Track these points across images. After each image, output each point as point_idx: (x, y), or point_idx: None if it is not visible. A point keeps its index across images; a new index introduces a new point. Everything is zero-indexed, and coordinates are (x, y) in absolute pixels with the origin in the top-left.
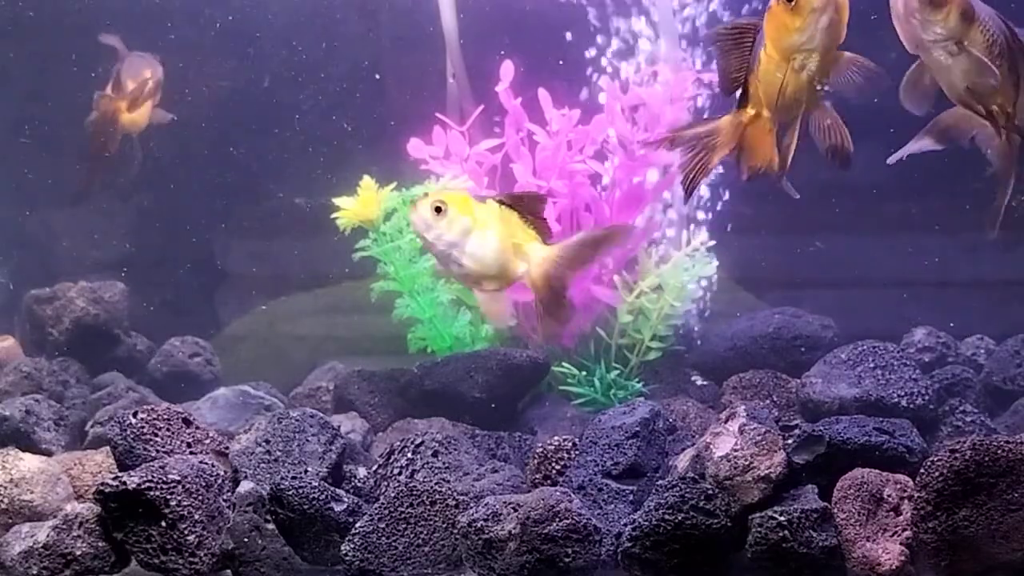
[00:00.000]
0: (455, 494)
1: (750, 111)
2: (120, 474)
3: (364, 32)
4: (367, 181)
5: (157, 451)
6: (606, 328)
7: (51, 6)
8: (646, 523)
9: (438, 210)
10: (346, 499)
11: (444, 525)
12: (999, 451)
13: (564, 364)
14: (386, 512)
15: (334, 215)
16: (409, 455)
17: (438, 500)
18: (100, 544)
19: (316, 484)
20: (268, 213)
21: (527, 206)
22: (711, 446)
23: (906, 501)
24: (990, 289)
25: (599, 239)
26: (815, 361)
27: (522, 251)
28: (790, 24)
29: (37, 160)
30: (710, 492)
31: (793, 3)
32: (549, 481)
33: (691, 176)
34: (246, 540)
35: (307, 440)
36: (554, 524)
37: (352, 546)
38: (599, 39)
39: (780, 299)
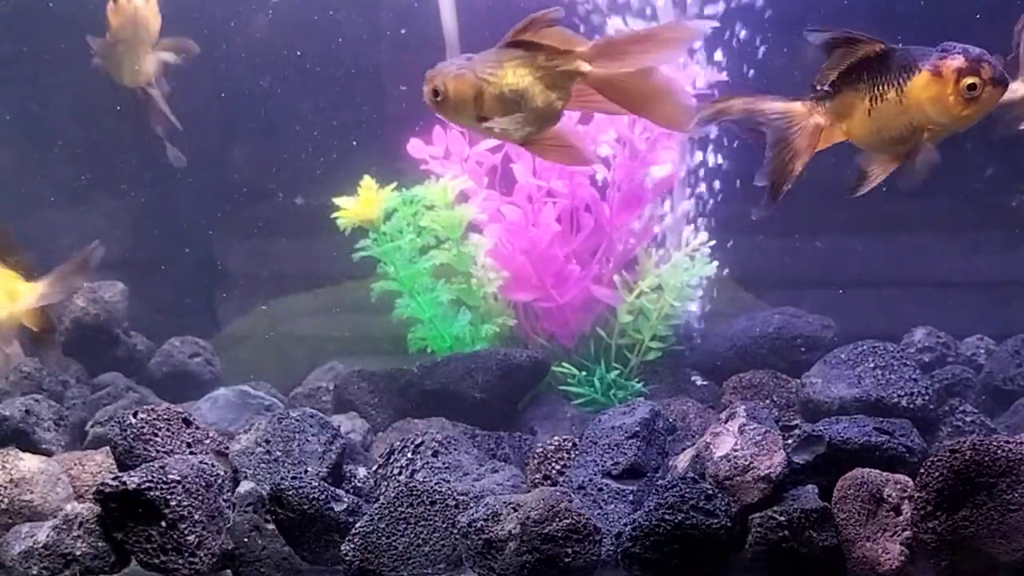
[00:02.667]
0: (455, 494)
1: (822, 118)
2: (120, 474)
3: (364, 32)
4: (367, 181)
5: (157, 451)
6: (606, 328)
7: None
8: (646, 523)
9: None
10: (346, 499)
11: (444, 525)
12: (999, 451)
13: (564, 364)
14: (386, 512)
15: (334, 215)
16: (409, 455)
17: (438, 500)
18: (100, 544)
19: (316, 484)
20: (268, 213)
21: None
22: (711, 446)
23: (906, 501)
24: (990, 289)
25: (77, 266)
26: (815, 361)
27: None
28: (957, 111)
29: (36, 160)
30: (710, 492)
31: (972, 97)
32: (549, 481)
33: (777, 177)
34: (246, 540)
35: (307, 440)
36: (554, 524)
37: (352, 546)
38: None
39: (780, 299)
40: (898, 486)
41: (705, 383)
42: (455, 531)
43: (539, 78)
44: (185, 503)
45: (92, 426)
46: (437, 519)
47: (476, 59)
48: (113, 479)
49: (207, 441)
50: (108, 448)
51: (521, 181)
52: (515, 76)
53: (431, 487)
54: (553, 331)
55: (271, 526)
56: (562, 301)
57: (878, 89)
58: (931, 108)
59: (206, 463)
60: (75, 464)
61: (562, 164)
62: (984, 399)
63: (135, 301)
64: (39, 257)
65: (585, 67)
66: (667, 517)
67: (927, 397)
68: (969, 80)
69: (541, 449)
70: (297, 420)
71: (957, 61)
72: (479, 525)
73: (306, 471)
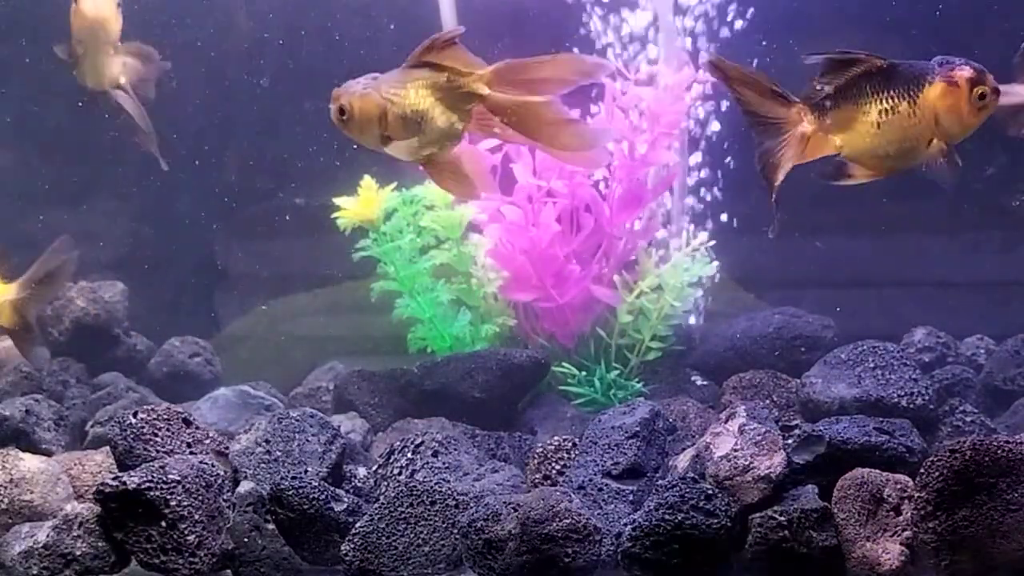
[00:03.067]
0: (455, 494)
1: (810, 127)
2: (120, 474)
3: (364, 31)
4: (367, 181)
5: (157, 451)
6: (606, 328)
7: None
8: (646, 523)
9: None
10: (346, 499)
11: (444, 525)
12: (999, 451)
13: (564, 364)
14: (386, 512)
15: (334, 215)
16: (409, 455)
17: (438, 500)
18: (100, 544)
19: (316, 484)
20: (268, 213)
21: None
22: (711, 446)
23: (906, 501)
24: (990, 289)
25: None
26: (815, 361)
27: None
28: (969, 119)
29: (36, 160)
30: (710, 492)
31: (982, 105)
32: (549, 481)
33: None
34: (246, 540)
35: (307, 440)
36: (554, 524)
37: (352, 546)
38: (598, 38)
39: (780, 299)
40: (898, 486)
41: (705, 383)
42: (455, 531)
43: (440, 99)
44: (185, 503)
45: (92, 426)
46: (437, 519)
47: (381, 79)
48: (113, 479)
49: (207, 441)
50: (108, 448)
51: (521, 181)
52: (417, 97)
53: (431, 487)
54: (553, 331)
55: (271, 526)
56: (562, 301)
57: (887, 103)
58: (946, 117)
59: (206, 463)
60: (75, 464)
61: (454, 192)
62: (984, 399)
63: (135, 301)
64: (37, 257)
65: (484, 90)
66: (667, 517)
67: (927, 397)
68: (980, 89)
69: (541, 449)
70: (297, 420)
71: (967, 72)
72: (479, 525)
73: (306, 471)
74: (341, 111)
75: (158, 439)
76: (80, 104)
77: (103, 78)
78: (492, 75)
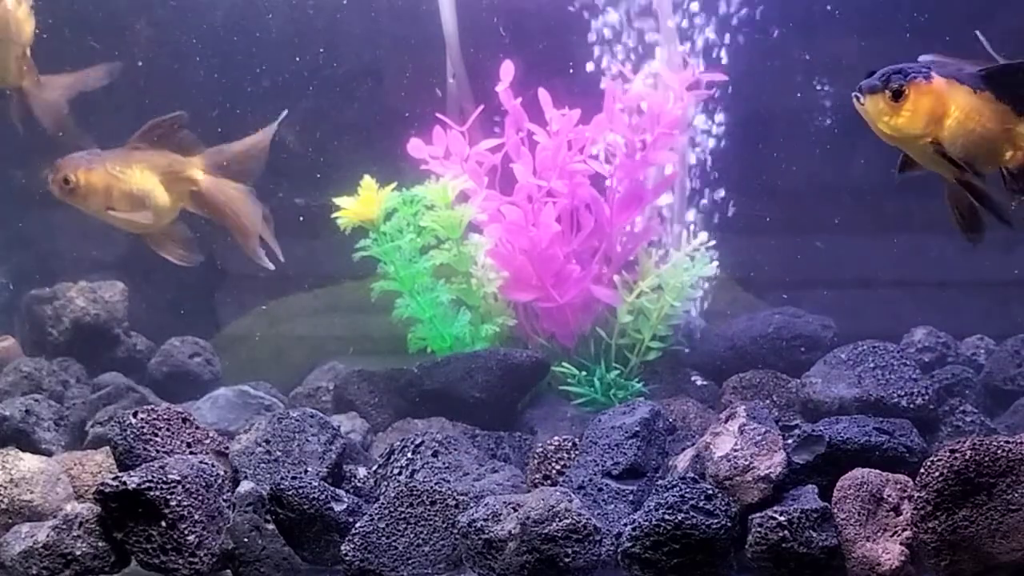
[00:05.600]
0: (455, 494)
1: None
2: (120, 474)
3: (364, 32)
4: (367, 181)
5: (157, 451)
6: (606, 328)
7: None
8: (646, 523)
9: None
10: (346, 499)
11: (444, 525)
12: (999, 451)
13: (564, 364)
14: (386, 512)
15: (334, 215)
16: (409, 455)
17: (438, 500)
18: (100, 544)
19: (316, 484)
20: (268, 213)
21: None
22: (711, 446)
23: (906, 501)
24: (990, 289)
25: None
26: (815, 361)
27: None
28: None
29: (37, 159)
30: (710, 492)
31: None
32: (549, 481)
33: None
34: (246, 540)
35: (307, 440)
36: (554, 524)
37: (352, 546)
38: (598, 39)
39: (780, 299)
40: (898, 486)
41: (705, 383)
42: (455, 531)
43: (161, 182)
44: (185, 503)
45: (92, 426)
46: (437, 519)
47: (106, 155)
48: (113, 479)
49: (207, 441)
50: (108, 448)
51: (521, 181)
52: (142, 178)
53: (431, 487)
54: (553, 331)
55: (271, 526)
56: (562, 301)
57: None
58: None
59: (206, 463)
60: (75, 464)
61: (174, 258)
62: (984, 399)
63: (135, 301)
64: (39, 257)
65: (199, 175)
66: (667, 517)
67: (927, 397)
68: None
69: (541, 449)
70: (297, 420)
71: None
72: (479, 525)
73: (306, 471)
74: (66, 180)
75: (158, 439)
76: None
77: (9, 76)
78: (205, 160)
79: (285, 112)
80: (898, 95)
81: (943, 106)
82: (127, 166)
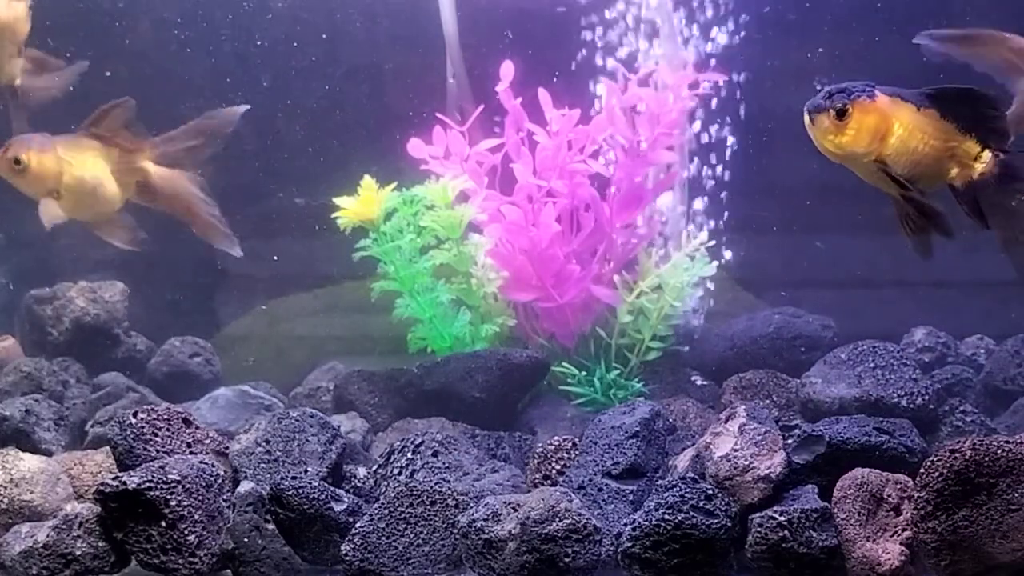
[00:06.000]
0: (455, 494)
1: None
2: (120, 474)
3: (364, 31)
4: (367, 181)
5: (157, 451)
6: (606, 328)
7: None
8: (646, 523)
9: None
10: (346, 499)
11: (444, 525)
12: (999, 451)
13: (564, 364)
14: (386, 512)
15: (334, 215)
16: (409, 455)
17: (438, 500)
18: (100, 544)
19: (316, 484)
20: (268, 213)
21: None
22: (711, 446)
23: (906, 501)
24: (990, 289)
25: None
26: (815, 361)
27: None
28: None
29: None
30: (710, 492)
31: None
32: (549, 481)
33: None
34: (246, 540)
35: (307, 440)
36: (554, 524)
37: (352, 546)
38: (598, 39)
39: (780, 299)
40: (898, 486)
41: (705, 383)
42: (455, 531)
43: (112, 172)
44: (185, 503)
45: (92, 426)
46: (437, 519)
47: (59, 140)
48: (113, 479)
49: (207, 441)
50: (108, 448)
51: (521, 181)
52: (93, 166)
53: (431, 487)
54: (553, 331)
55: (271, 526)
56: (562, 301)
57: None
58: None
59: (206, 463)
60: (75, 464)
61: (119, 243)
62: (984, 399)
63: (135, 301)
64: (39, 257)
65: (150, 167)
66: (667, 517)
67: (927, 397)
68: None
69: (541, 449)
70: (297, 420)
71: None
72: (479, 525)
73: (306, 471)
74: (16, 161)
75: (158, 439)
76: None
77: (4, 74)
78: (155, 152)
79: (247, 106)
80: (842, 114)
81: (886, 124)
82: (79, 152)
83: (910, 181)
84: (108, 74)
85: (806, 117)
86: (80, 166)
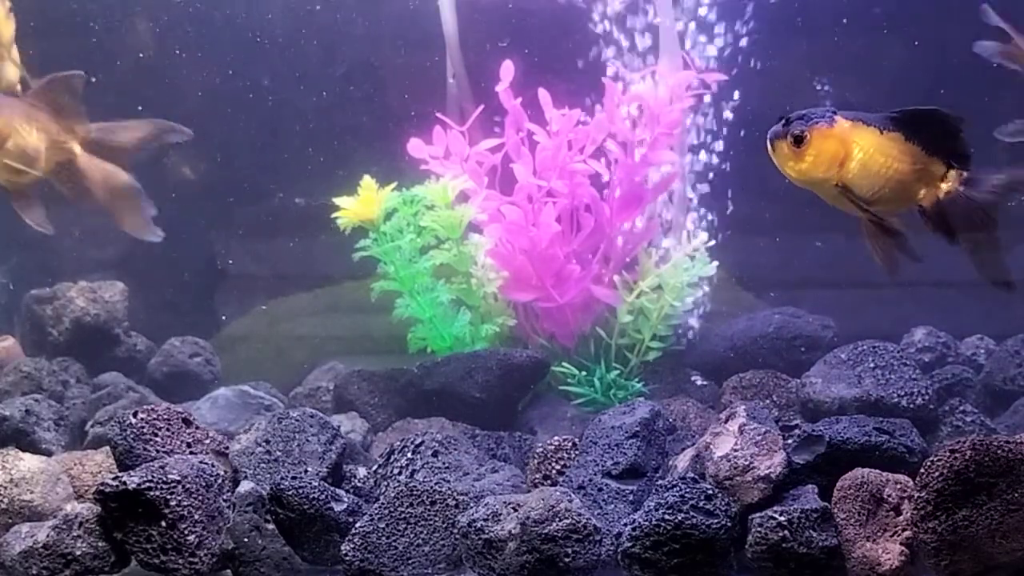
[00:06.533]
0: (455, 494)
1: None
2: (120, 474)
3: (364, 31)
4: (367, 181)
5: (157, 451)
6: (606, 328)
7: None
8: (646, 523)
9: None
10: (346, 499)
11: (444, 525)
12: (999, 451)
13: (564, 364)
14: (386, 512)
15: (334, 215)
16: (409, 455)
17: (438, 500)
18: (100, 544)
19: (316, 484)
20: (268, 213)
21: None
22: (711, 446)
23: (906, 501)
24: (990, 289)
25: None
26: (815, 361)
27: None
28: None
29: None
30: (710, 492)
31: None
32: (549, 481)
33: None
34: (246, 540)
35: (307, 440)
36: (554, 524)
37: (352, 546)
38: (598, 39)
39: (780, 299)
40: (898, 486)
41: (705, 383)
42: (455, 531)
43: (42, 142)
44: (185, 503)
45: (92, 426)
46: (437, 519)
47: (5, 104)
48: (113, 479)
49: (207, 441)
50: (108, 448)
51: (521, 181)
52: (36, 138)
53: (431, 487)
54: (553, 331)
55: (271, 526)
56: (562, 301)
57: None
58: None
59: (206, 463)
60: (75, 464)
61: (31, 222)
62: (984, 399)
63: (135, 301)
64: (39, 257)
65: (77, 150)
66: (667, 517)
67: (927, 397)
68: None
69: (541, 449)
70: (297, 420)
71: None
72: (479, 525)
73: (306, 471)
74: None
75: (158, 439)
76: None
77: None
78: (87, 136)
79: (190, 134)
80: (799, 140)
81: (846, 148)
82: (27, 121)
83: (877, 203)
84: (95, 78)
85: (768, 144)
86: (26, 136)
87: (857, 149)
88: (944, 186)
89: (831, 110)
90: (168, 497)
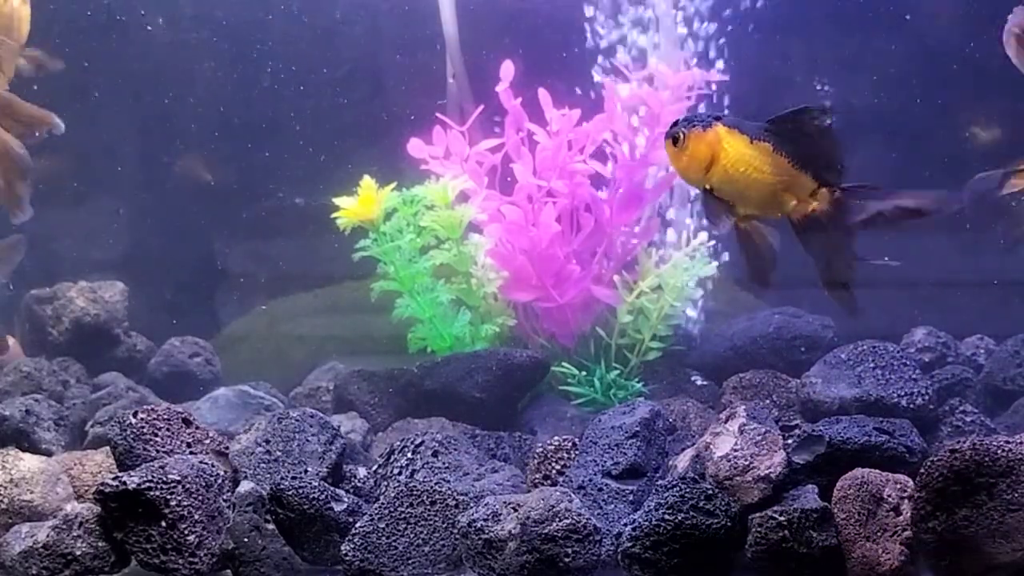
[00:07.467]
0: (455, 494)
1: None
2: (120, 474)
3: (364, 31)
4: (367, 181)
5: (157, 451)
6: (606, 328)
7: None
8: (646, 523)
9: None
10: (346, 499)
11: (444, 525)
12: (999, 451)
13: (564, 364)
14: (386, 512)
15: (334, 215)
16: (409, 455)
17: (438, 500)
18: (100, 544)
19: (316, 484)
20: (268, 213)
21: None
22: (711, 446)
23: (906, 501)
24: (990, 289)
25: None
26: (815, 361)
27: None
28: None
29: (37, 159)
30: (710, 492)
31: None
32: (549, 481)
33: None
34: (246, 540)
35: (307, 440)
36: (554, 524)
37: (352, 546)
38: (598, 39)
39: (780, 299)
40: (898, 486)
41: (705, 383)
42: (455, 531)
43: None
44: (185, 503)
45: (92, 426)
46: (437, 519)
47: None
48: (113, 479)
49: (207, 441)
50: (108, 448)
51: (521, 181)
52: None
53: (431, 487)
54: (553, 331)
55: (271, 526)
56: (562, 301)
57: None
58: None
59: (206, 463)
60: (75, 464)
61: None
62: (984, 399)
63: (135, 301)
64: (39, 257)
65: None
66: (667, 517)
67: (927, 397)
68: None
69: (541, 449)
70: (297, 420)
71: None
72: (479, 525)
73: (306, 471)
74: None
75: (158, 439)
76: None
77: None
78: None
79: (61, 128)
80: (677, 141)
81: (712, 153)
82: None
83: (744, 209)
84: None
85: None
86: None
87: (723, 155)
88: (814, 203)
89: (717, 115)
90: (168, 497)
